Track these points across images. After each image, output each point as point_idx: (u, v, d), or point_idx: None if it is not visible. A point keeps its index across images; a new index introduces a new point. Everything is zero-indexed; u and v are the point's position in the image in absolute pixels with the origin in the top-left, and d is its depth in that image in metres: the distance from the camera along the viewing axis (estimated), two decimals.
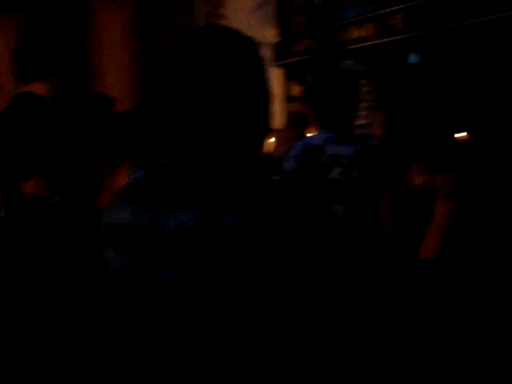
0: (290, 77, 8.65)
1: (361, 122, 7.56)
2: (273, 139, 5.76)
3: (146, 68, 10.20)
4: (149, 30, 10.43)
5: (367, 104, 7.32)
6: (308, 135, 3.49)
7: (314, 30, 7.86)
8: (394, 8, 6.56)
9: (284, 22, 8.48)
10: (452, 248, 2.63)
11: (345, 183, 2.63)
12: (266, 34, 8.64)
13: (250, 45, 1.05)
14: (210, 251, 0.93)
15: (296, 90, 8.71)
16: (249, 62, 1.02)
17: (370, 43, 6.93)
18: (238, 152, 1.01)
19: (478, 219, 2.16)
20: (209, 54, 1.00)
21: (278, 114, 8.79)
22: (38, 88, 2.45)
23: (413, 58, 7.38)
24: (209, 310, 0.96)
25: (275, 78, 8.73)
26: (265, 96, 1.04)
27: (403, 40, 6.61)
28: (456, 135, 3.86)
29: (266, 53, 8.68)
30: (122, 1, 9.90)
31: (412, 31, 6.44)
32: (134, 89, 10.29)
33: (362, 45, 7.05)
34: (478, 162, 2.36)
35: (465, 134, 4.53)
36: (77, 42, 9.83)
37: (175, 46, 1.04)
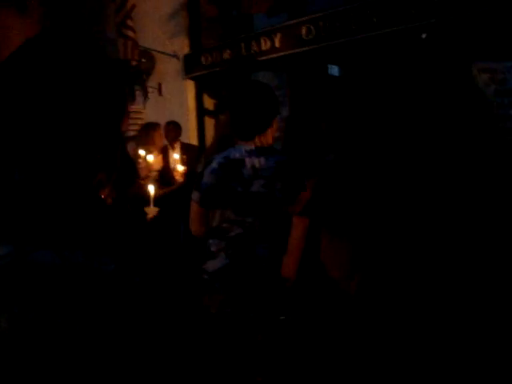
0: (201, 89, 8.48)
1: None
2: (150, 157, 5.50)
3: None
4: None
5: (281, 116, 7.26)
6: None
7: (223, 41, 7.73)
8: (304, 19, 6.54)
9: (195, 34, 8.31)
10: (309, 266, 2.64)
11: (266, 196, 2.58)
12: (178, 45, 8.46)
13: (91, 52, 0.93)
14: (24, 292, 0.81)
15: (209, 102, 8.55)
16: (88, 71, 0.91)
17: (280, 54, 6.86)
18: (76, 177, 0.90)
19: (331, 233, 2.14)
20: (37, 61, 0.89)
21: (192, 127, 8.61)
22: None
23: (325, 69, 7.40)
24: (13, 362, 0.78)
25: (187, 91, 8.56)
26: (108, 109, 0.93)
27: (314, 51, 6.59)
28: None
29: (178, 65, 8.49)
30: (31, 12, 9.58)
31: (322, 42, 6.43)
32: None
33: (272, 56, 6.97)
34: (333, 173, 2.40)
35: None
36: None
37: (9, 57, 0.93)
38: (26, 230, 0.83)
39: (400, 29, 5.75)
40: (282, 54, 6.82)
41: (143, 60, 8.67)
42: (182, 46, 8.42)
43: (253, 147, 2.60)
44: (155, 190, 3.84)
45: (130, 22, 8.10)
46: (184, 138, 6.96)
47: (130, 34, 8.12)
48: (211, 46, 7.94)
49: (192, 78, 8.42)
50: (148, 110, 9.05)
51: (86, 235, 0.84)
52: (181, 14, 8.30)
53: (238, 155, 2.59)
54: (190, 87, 8.54)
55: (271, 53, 6.93)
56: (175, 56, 8.43)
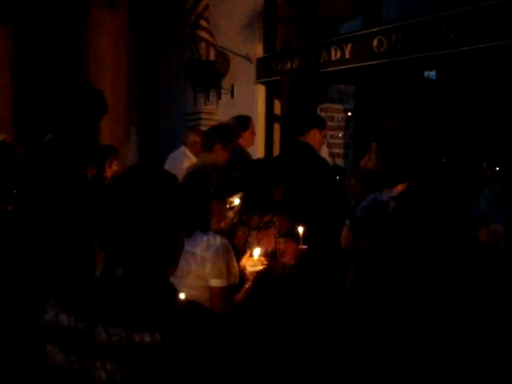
0: (272, 95, 8.18)
1: (336, 150, 7.08)
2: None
3: (139, 71, 10.40)
4: (142, 39, 10.28)
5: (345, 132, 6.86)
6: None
7: (295, 47, 7.38)
8: (374, 29, 6.07)
9: (270, 37, 8.02)
10: None
11: None
12: (251, 48, 8.20)
13: (160, 185, 1.31)
14: (129, 364, 1.16)
15: (279, 108, 8.23)
16: (161, 198, 1.29)
17: (349, 66, 6.44)
18: (155, 275, 1.27)
19: None
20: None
21: (260, 133, 8.35)
22: None
23: (398, 83, 6.89)
24: None
25: (258, 95, 8.29)
26: (166, 220, 1.30)
27: (385, 64, 6.11)
28: None
29: (251, 68, 8.24)
30: (120, 11, 9.77)
31: (394, 56, 5.95)
32: (128, 90, 10.40)
33: (342, 67, 6.57)
34: None
35: None
36: (70, 47, 9.74)
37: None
38: (128, 315, 1.18)
39: (479, 47, 5.16)
40: (351, 65, 6.38)
41: (219, 61, 8.51)
42: (256, 49, 8.16)
43: (395, 194, 3.23)
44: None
45: (203, 23, 7.91)
46: None
47: (204, 34, 7.94)
48: (286, 50, 7.62)
49: (263, 83, 8.15)
50: (219, 111, 8.89)
51: (169, 321, 1.18)
52: (257, 16, 8.03)
53: (384, 199, 3.24)
54: (260, 91, 8.28)
55: (341, 64, 6.51)
56: (248, 59, 8.17)
